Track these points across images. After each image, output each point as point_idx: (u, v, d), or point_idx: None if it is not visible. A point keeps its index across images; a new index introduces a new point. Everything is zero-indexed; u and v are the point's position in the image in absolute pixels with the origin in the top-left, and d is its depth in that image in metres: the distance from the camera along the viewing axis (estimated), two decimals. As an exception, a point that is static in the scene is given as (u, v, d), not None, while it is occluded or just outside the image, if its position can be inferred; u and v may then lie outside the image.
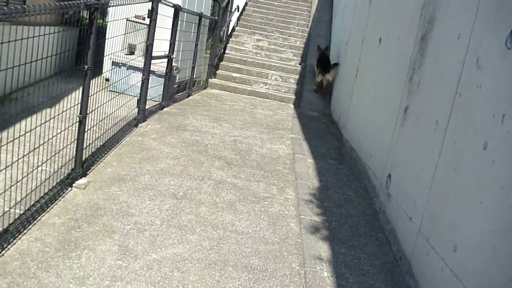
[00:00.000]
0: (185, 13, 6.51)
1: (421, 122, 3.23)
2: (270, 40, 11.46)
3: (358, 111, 5.34)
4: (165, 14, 5.65)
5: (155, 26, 4.87)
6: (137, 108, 5.18)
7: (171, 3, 5.50)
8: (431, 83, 3.18)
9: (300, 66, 10.14)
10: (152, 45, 4.96)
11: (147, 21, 6.15)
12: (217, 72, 9.04)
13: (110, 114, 4.43)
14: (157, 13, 4.87)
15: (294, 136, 5.87)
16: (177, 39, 6.16)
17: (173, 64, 6.47)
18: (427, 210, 2.85)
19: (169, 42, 5.76)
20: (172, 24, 5.71)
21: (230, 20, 9.98)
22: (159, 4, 5.08)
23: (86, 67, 3.39)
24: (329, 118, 7.64)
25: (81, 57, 3.54)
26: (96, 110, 3.94)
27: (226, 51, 10.48)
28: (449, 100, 2.75)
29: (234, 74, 9.08)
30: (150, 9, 4.79)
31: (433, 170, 2.83)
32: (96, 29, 3.42)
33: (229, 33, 11.03)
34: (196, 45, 7.23)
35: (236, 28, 11.79)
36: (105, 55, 4.89)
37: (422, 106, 3.28)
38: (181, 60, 6.94)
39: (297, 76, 9.33)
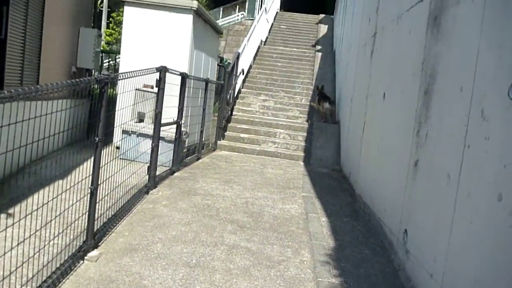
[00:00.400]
0: (192, 80, 6.70)
1: (432, 176, 3.20)
2: (276, 100, 11.70)
3: (368, 166, 5.33)
4: (172, 82, 5.83)
5: (163, 95, 5.02)
6: (147, 175, 5.22)
7: (177, 71, 5.69)
8: (438, 136, 3.18)
9: (307, 123, 10.25)
10: (160, 113, 5.07)
11: (156, 89, 6.37)
12: (225, 133, 9.17)
13: (121, 183, 4.46)
14: (164, 82, 5.03)
15: (306, 194, 5.83)
16: (185, 105, 6.31)
17: (182, 129, 6.59)
18: (448, 266, 2.76)
19: (177, 109, 5.89)
20: (180, 91, 5.88)
21: (236, 83, 10.24)
22: (166, 73, 5.26)
23: (97, 139, 3.46)
24: (339, 174, 7.61)
25: (93, 128, 3.63)
26: (107, 180, 3.97)
27: (234, 113, 10.69)
28: (459, 153, 2.74)
29: (242, 135, 9.19)
30: (158, 78, 4.95)
31: (450, 224, 2.77)
32: (106, 101, 3.52)
33: (235, 95, 11.30)
34: (204, 109, 7.40)
35: (242, 90, 12.09)
36: (115, 125, 5.00)
37: (432, 160, 3.27)
38: (190, 125, 7.07)
39: (304, 134, 9.42)
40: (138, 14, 6.73)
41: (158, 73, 4.90)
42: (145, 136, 6.17)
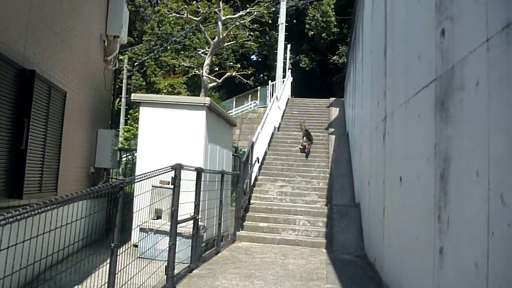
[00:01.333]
0: (207, 173, 6.77)
1: (459, 264, 3.05)
2: (293, 185, 11.67)
3: (393, 253, 5.12)
4: (188, 178, 5.90)
5: (179, 192, 5.04)
6: (165, 275, 5.09)
7: (192, 167, 5.77)
8: (460, 222, 3.07)
9: (326, 207, 10.11)
10: (177, 210, 5.07)
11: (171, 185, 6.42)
12: (244, 223, 9.05)
13: (139, 286, 4.34)
14: (180, 179, 5.08)
15: (330, 286, 5.57)
16: (201, 199, 6.32)
17: (199, 223, 6.54)
18: None
19: (194, 204, 5.89)
20: (196, 186, 5.91)
21: (252, 171, 10.31)
22: (182, 170, 5.34)
23: (113, 244, 3.43)
24: (364, 260, 7.32)
25: (110, 230, 3.62)
26: (124, 285, 3.87)
27: (251, 201, 10.64)
28: (483, 240, 2.62)
29: (261, 224, 9.06)
30: (173, 176, 5.02)
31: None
32: (122, 205, 3.55)
33: (252, 184, 11.33)
34: (221, 201, 7.38)
35: (259, 177, 12.13)
36: (133, 225, 4.99)
37: (456, 247, 3.13)
38: (208, 218, 7.02)
39: (324, 219, 9.24)
40: (153, 114, 7.01)
41: (173, 171, 4.97)
42: (163, 233, 6.11)
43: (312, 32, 31.79)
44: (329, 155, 13.39)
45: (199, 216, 5.93)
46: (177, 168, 4.93)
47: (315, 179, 12.07)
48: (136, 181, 3.99)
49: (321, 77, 34.76)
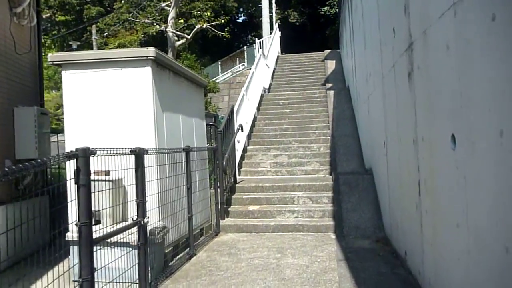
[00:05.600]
0: (159, 155, 4.84)
1: None
2: (290, 153, 9.78)
3: (444, 255, 3.22)
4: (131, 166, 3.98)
5: (88, 192, 3.10)
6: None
7: (127, 148, 3.83)
8: None
9: (330, 177, 8.24)
10: (88, 224, 3.12)
11: (110, 176, 4.52)
12: (229, 209, 7.18)
13: None
14: (87, 173, 3.15)
15: (347, 306, 3.73)
16: (151, 192, 4.41)
17: (156, 225, 4.66)
18: None
19: (136, 203, 3.99)
20: (136, 175, 3.99)
21: (235, 142, 8.35)
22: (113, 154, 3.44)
23: None
24: (387, 247, 5.48)
25: None
26: None
27: (240, 177, 8.77)
28: None
29: (251, 208, 7.19)
30: (76, 168, 3.06)
31: None
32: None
33: (240, 156, 9.43)
34: (189, 188, 5.46)
35: (248, 148, 10.25)
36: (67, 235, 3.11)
37: None
38: (172, 214, 5.13)
39: (330, 193, 7.36)
40: (79, 79, 4.98)
41: (81, 159, 3.01)
42: (108, 244, 4.25)
43: (299, -18, 29.10)
44: (329, 113, 11.43)
45: (147, 220, 4.02)
46: (80, 155, 2.96)
47: (314, 143, 10.15)
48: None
49: (312, 32, 32.29)
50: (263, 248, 5.68)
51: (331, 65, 16.72)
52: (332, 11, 28.37)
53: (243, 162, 9.64)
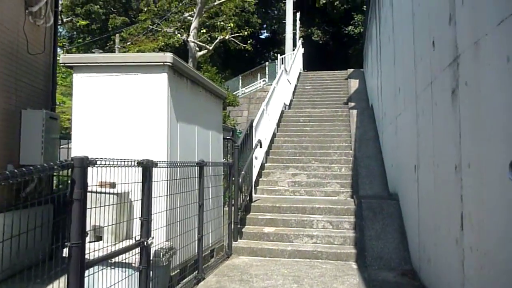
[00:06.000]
0: (171, 168, 4.46)
1: None
2: (309, 173, 9.32)
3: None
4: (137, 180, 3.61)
5: (82, 208, 2.73)
6: None
7: (135, 160, 3.46)
8: None
9: (352, 200, 7.76)
10: (80, 246, 2.74)
11: (115, 189, 4.16)
12: (243, 229, 6.74)
13: None
14: (83, 188, 2.77)
15: None
16: (159, 209, 4.03)
17: (163, 245, 4.25)
18: None
19: (140, 221, 3.60)
20: (142, 190, 3.61)
21: (253, 158, 7.95)
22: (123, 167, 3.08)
23: None
24: (416, 283, 4.96)
25: None
26: None
27: (256, 196, 8.35)
28: None
29: (266, 229, 6.73)
30: (71, 181, 2.70)
31: None
32: None
33: (257, 173, 9.02)
34: (201, 205, 5.06)
35: (266, 164, 9.83)
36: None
37: None
38: (181, 234, 4.71)
39: (351, 218, 6.87)
40: (92, 82, 4.67)
41: (77, 170, 2.65)
42: (108, 264, 3.86)
43: (324, 1, 28.85)
44: (351, 133, 10.96)
45: (151, 240, 3.62)
46: (76, 165, 2.60)
47: (335, 163, 9.68)
48: None
49: (335, 51, 31.92)
50: (278, 276, 5.21)
51: (354, 84, 16.30)
52: (356, 31, 28.02)
53: (260, 179, 9.22)
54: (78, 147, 4.61)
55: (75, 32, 29.46)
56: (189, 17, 12.84)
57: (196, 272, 5.09)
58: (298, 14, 22.76)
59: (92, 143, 4.58)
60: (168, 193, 4.42)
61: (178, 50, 20.34)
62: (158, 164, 3.79)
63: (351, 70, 18.85)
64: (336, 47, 32.04)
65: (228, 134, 10.99)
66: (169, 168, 4.38)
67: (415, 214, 5.33)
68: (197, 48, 12.68)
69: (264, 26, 33.69)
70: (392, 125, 7.49)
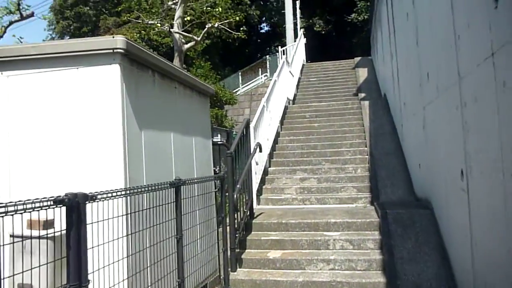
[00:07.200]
0: (123, 198, 3.19)
1: None
2: (320, 176, 8.05)
3: None
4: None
5: None
6: None
7: (51, 199, 2.20)
8: None
9: (372, 207, 6.49)
10: None
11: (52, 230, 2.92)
12: (242, 256, 5.47)
13: None
14: None
15: None
16: (116, 258, 2.79)
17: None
18: None
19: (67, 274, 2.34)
20: (67, 241, 2.35)
21: (251, 167, 6.65)
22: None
23: None
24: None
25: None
26: None
27: (260, 207, 7.16)
28: None
29: (271, 254, 5.46)
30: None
31: None
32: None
33: (260, 180, 7.76)
34: (178, 240, 3.78)
35: (270, 169, 8.58)
36: None
37: None
38: (150, 286, 3.46)
39: (376, 234, 5.58)
40: (15, 83, 3.44)
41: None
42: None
43: (325, -12, 27.41)
44: (365, 127, 9.68)
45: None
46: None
47: (349, 163, 8.40)
48: None
49: (338, 41, 30.51)
50: (287, 324, 3.95)
51: (363, 73, 14.99)
52: (360, 18, 26.58)
53: (264, 187, 7.96)
54: None
55: (68, 37, 28.32)
56: (173, 5, 11.50)
57: (179, 328, 3.83)
58: (298, 3, 21.38)
59: (13, 169, 3.33)
60: (129, 232, 3.16)
61: (167, 46, 19.00)
62: (97, 197, 2.52)
63: (358, 58, 17.53)
64: (339, 37, 30.64)
65: (224, 137, 9.73)
66: (127, 198, 3.11)
67: (465, 233, 4.02)
68: (183, 40, 11.30)
69: (264, 19, 32.36)
70: (417, 117, 6.18)
